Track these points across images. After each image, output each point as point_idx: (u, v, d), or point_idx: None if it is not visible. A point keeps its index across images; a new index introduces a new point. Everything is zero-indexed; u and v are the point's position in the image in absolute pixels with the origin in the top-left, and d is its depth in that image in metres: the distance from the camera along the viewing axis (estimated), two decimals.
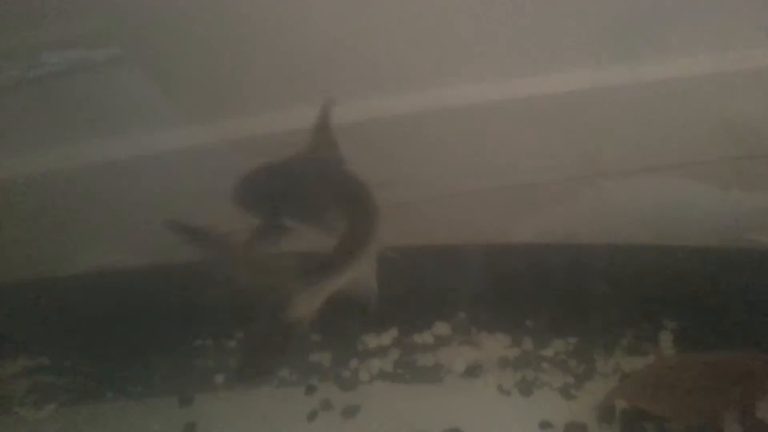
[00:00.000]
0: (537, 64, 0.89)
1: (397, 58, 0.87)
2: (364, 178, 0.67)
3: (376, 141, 0.92)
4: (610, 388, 0.76)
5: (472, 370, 0.84)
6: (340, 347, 0.88)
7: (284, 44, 0.81)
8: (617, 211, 0.99)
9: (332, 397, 0.81)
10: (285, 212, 0.63)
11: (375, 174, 0.93)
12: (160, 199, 0.93)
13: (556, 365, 0.83)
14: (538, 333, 0.88)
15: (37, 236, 0.93)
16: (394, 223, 0.98)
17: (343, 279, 0.56)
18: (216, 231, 0.63)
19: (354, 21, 0.80)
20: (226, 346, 0.89)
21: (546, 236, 0.99)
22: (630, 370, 0.80)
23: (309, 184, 0.65)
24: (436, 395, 0.81)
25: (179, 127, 0.89)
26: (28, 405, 0.81)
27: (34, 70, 0.82)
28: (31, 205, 0.90)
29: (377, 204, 0.64)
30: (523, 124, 0.92)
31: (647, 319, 0.86)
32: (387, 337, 0.89)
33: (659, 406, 0.70)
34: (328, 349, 0.88)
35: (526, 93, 0.90)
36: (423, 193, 0.97)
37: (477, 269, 0.92)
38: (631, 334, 0.85)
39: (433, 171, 0.95)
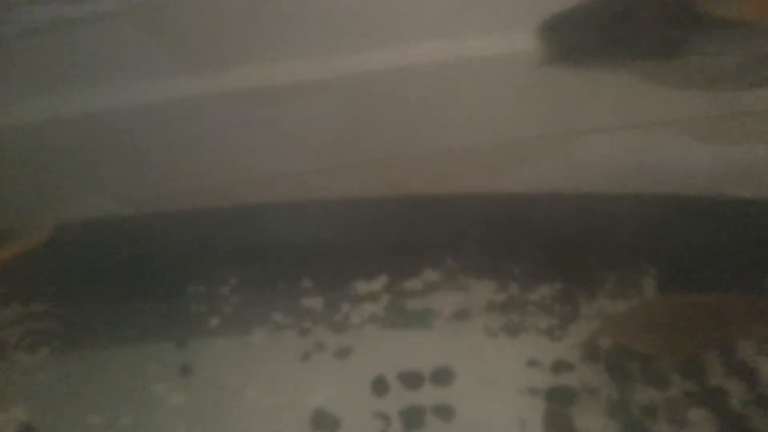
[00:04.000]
0: (515, 21, 0.89)
1: (378, 11, 0.87)
2: None
3: (363, 96, 0.92)
4: (595, 328, 0.79)
5: (460, 314, 0.86)
6: (331, 293, 0.90)
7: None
8: (598, 166, 1.02)
9: (325, 340, 0.83)
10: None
11: (361, 128, 0.94)
12: (147, 149, 0.93)
13: (541, 309, 0.86)
14: (523, 279, 0.90)
15: (24, 185, 0.93)
16: (384, 175, 1.00)
17: None
18: None
19: None
20: (219, 291, 0.90)
21: (527, 190, 1.02)
22: (613, 312, 0.83)
23: None
24: (426, 337, 0.84)
25: (171, 77, 0.89)
26: (23, 350, 0.82)
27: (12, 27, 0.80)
28: (19, 155, 0.90)
29: None
30: (503, 81, 0.93)
31: (629, 266, 0.88)
32: (377, 284, 0.91)
33: (643, 343, 0.73)
34: (321, 294, 0.90)
35: (506, 50, 0.90)
36: (406, 148, 0.99)
37: (464, 218, 0.94)
38: (614, 280, 0.87)
39: (417, 127, 0.96)
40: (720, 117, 0.97)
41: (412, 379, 0.76)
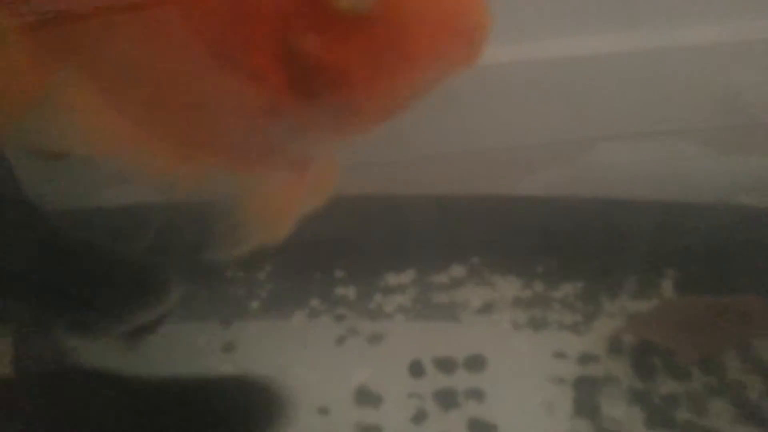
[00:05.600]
0: (539, 29, 0.93)
1: None
2: None
3: None
4: (618, 325, 0.83)
5: (486, 308, 0.90)
6: (363, 283, 0.94)
7: None
8: (616, 172, 1.05)
9: (358, 326, 0.87)
10: None
11: (384, 131, 0.97)
12: None
13: (565, 306, 0.90)
14: (547, 277, 0.94)
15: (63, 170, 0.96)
16: (414, 174, 1.03)
17: None
18: None
19: None
20: (256, 277, 0.94)
21: (550, 194, 1.05)
22: (635, 312, 0.87)
23: None
24: (455, 328, 0.88)
25: None
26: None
27: None
28: None
29: None
30: (525, 87, 0.96)
31: (649, 268, 0.92)
32: (406, 277, 0.95)
33: (665, 340, 0.77)
34: (353, 284, 0.93)
35: (530, 57, 0.94)
36: (436, 149, 1.02)
37: (489, 219, 0.98)
38: (635, 281, 0.91)
39: (434, 129, 1.00)
40: (735, 127, 1.01)
41: (446, 365, 0.80)
